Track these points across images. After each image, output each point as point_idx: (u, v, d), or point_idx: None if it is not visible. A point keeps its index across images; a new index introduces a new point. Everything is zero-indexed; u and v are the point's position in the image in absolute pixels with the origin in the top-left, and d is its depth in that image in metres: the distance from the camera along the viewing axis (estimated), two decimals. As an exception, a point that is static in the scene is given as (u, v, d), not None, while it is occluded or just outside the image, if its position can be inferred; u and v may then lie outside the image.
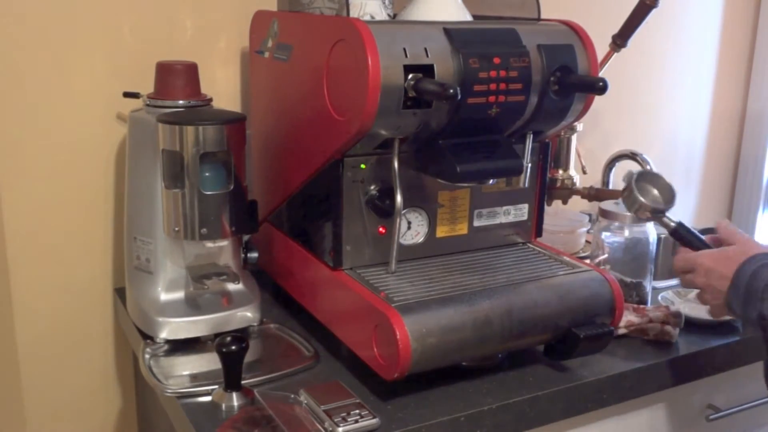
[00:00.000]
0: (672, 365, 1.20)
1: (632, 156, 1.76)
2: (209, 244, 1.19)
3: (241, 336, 1.03)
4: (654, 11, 1.58)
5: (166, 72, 1.23)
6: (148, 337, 1.19)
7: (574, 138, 1.70)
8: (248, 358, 1.05)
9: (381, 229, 1.14)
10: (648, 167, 1.70)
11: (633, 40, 1.63)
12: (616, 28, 1.62)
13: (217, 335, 1.15)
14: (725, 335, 1.27)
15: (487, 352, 1.09)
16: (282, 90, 1.23)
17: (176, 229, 1.15)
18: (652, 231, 1.35)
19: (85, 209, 1.40)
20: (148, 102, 1.23)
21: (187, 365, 1.15)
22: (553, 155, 1.67)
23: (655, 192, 1.05)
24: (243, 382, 1.04)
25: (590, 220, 1.68)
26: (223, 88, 1.47)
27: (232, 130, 1.14)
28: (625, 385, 1.16)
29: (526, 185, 1.18)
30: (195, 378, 1.11)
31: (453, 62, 1.01)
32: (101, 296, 1.45)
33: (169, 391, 1.06)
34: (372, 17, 1.15)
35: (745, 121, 2.34)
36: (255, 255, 1.26)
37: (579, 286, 1.14)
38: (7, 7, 1.27)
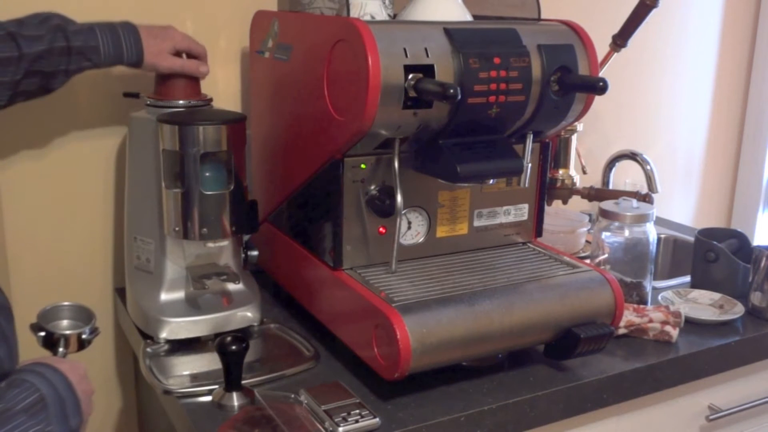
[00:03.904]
0: (672, 365, 1.20)
1: (632, 156, 1.76)
2: (209, 244, 1.19)
3: (241, 336, 1.03)
4: (654, 11, 1.58)
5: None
6: (148, 337, 1.19)
7: (574, 138, 1.70)
8: (248, 358, 1.05)
9: (381, 229, 1.14)
10: (648, 167, 1.70)
11: (633, 41, 1.63)
12: (616, 28, 1.62)
13: (217, 335, 1.15)
14: (725, 335, 1.27)
15: (487, 351, 1.09)
16: (282, 90, 1.23)
17: (176, 229, 1.15)
18: (652, 231, 1.35)
19: (85, 209, 1.40)
20: (148, 102, 1.23)
21: (187, 365, 1.15)
22: (553, 155, 1.67)
23: (65, 323, 1.02)
24: (243, 382, 1.04)
25: (590, 220, 1.68)
26: (223, 88, 1.47)
27: (232, 130, 1.14)
28: (625, 385, 1.16)
29: (526, 185, 1.18)
30: (195, 378, 1.11)
31: (453, 62, 1.01)
32: (101, 296, 1.45)
33: (170, 390, 1.06)
34: (372, 17, 1.15)
35: (745, 121, 2.34)
36: (255, 254, 1.26)
37: (579, 286, 1.14)
38: (6, 6, 1.27)
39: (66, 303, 1.02)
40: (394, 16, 1.23)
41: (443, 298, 1.05)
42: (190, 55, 1.24)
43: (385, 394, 1.05)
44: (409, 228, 1.17)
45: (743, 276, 1.39)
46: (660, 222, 1.92)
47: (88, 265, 1.43)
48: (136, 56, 1.17)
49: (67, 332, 0.97)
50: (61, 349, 0.96)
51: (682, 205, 2.29)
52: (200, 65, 1.23)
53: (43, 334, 0.97)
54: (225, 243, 1.21)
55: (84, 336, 0.98)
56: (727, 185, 2.40)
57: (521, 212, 1.26)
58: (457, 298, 1.05)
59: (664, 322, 1.24)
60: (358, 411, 0.98)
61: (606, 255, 1.36)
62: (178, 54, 1.22)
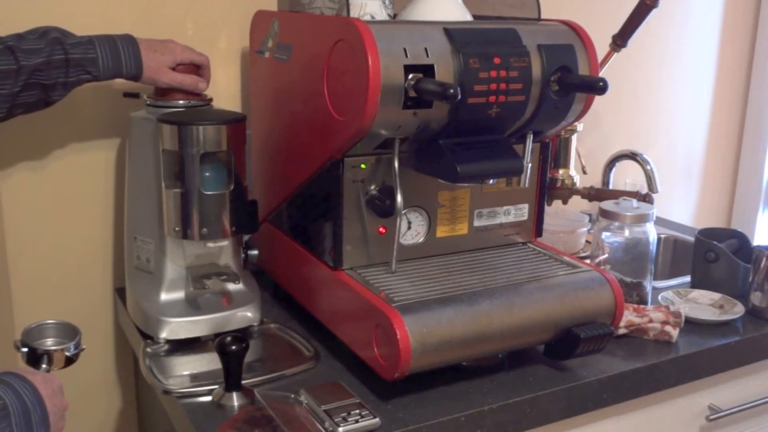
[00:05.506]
0: (672, 365, 1.20)
1: (632, 156, 1.76)
2: (209, 244, 1.19)
3: (241, 336, 1.03)
4: (654, 11, 1.58)
5: (166, 72, 1.23)
6: (148, 337, 1.19)
7: (574, 138, 1.70)
8: (248, 358, 1.05)
9: (381, 229, 1.14)
10: (648, 167, 1.70)
11: (633, 40, 1.63)
12: (616, 28, 1.62)
13: (217, 335, 1.15)
14: (725, 335, 1.27)
15: (487, 351, 1.09)
16: (282, 90, 1.23)
17: (176, 229, 1.15)
18: (652, 231, 1.35)
19: (85, 209, 1.40)
20: (148, 102, 1.23)
21: (187, 365, 1.15)
22: (553, 155, 1.67)
23: (50, 341, 1.02)
24: (243, 382, 1.04)
25: (590, 220, 1.68)
26: (223, 88, 1.47)
27: (232, 130, 1.14)
28: (625, 385, 1.16)
29: (526, 185, 1.18)
30: (195, 378, 1.11)
31: (453, 62, 1.01)
32: (101, 296, 1.45)
33: (170, 390, 1.06)
34: (372, 17, 1.15)
35: (745, 121, 2.34)
36: (255, 253, 1.26)
37: (579, 286, 1.14)
38: (7, 6, 1.27)
39: (51, 321, 1.02)
40: (394, 16, 1.23)
41: (443, 298, 1.05)
42: (192, 65, 1.24)
43: (385, 394, 1.05)
44: (409, 228, 1.17)
45: (743, 276, 1.39)
46: (660, 222, 1.91)
47: (88, 265, 1.43)
48: (135, 69, 1.18)
49: (51, 348, 0.98)
50: (44, 366, 0.96)
51: (682, 205, 2.29)
52: (199, 81, 1.23)
53: (26, 350, 0.97)
54: (225, 243, 1.21)
55: (68, 353, 0.98)
56: (727, 185, 2.40)
57: (521, 212, 1.26)
58: (457, 298, 1.05)
59: (664, 322, 1.24)
60: (358, 411, 0.98)
61: (606, 255, 1.36)
62: (179, 65, 1.22)
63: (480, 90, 1.02)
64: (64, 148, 1.37)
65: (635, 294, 1.35)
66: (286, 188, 1.26)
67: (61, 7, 1.31)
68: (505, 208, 1.24)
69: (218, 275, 1.20)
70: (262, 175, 1.37)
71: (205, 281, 1.18)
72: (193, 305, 1.21)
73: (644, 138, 2.11)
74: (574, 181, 1.70)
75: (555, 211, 1.70)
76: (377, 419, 0.97)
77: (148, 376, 1.11)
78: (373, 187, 1.11)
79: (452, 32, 1.03)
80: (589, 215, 1.70)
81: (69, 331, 1.01)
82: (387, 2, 1.21)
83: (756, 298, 1.35)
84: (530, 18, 1.24)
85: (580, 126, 1.69)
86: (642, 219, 1.33)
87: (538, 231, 1.29)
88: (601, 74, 1.35)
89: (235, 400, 1.02)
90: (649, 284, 1.37)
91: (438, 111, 1.02)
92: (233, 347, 1.01)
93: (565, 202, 1.72)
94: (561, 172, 1.69)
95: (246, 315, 1.21)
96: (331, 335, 1.16)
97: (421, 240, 1.18)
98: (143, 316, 1.20)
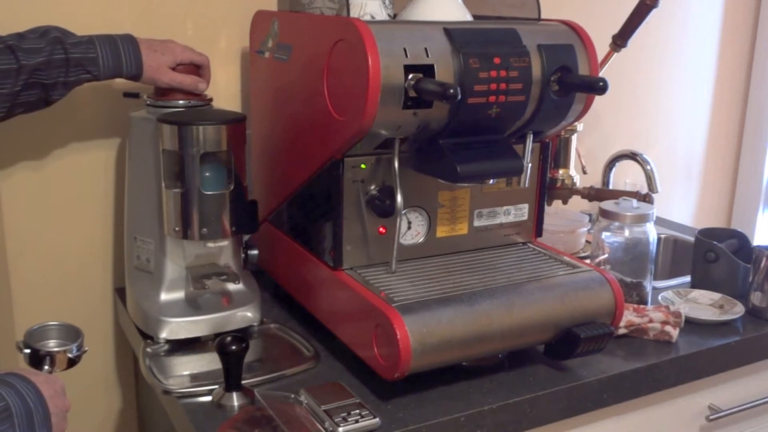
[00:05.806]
0: (672, 365, 1.20)
1: (632, 156, 1.76)
2: (209, 244, 1.19)
3: (241, 336, 1.03)
4: (654, 11, 1.58)
5: (166, 72, 1.23)
6: (148, 337, 1.19)
7: (574, 138, 1.70)
8: (248, 358, 1.05)
9: (381, 229, 1.14)
10: (648, 167, 1.70)
11: (633, 40, 1.63)
12: (616, 28, 1.63)
13: (217, 335, 1.15)
14: (725, 335, 1.27)
15: (487, 351, 1.09)
16: (282, 90, 1.23)
17: (176, 229, 1.15)
18: (652, 231, 1.35)
19: (85, 209, 1.40)
20: (148, 102, 1.23)
21: (187, 365, 1.15)
22: (553, 155, 1.67)
23: (52, 342, 1.02)
24: (243, 382, 1.04)
25: (590, 220, 1.68)
26: (223, 88, 1.47)
27: (232, 130, 1.14)
28: (625, 385, 1.16)
29: (527, 185, 1.18)
30: (195, 378, 1.11)
31: (453, 62, 1.01)
32: (101, 296, 1.45)
33: (170, 390, 1.06)
34: (372, 17, 1.15)
35: (745, 121, 2.34)
36: (255, 252, 1.26)
37: (579, 286, 1.14)
38: (7, 6, 1.27)
39: (53, 323, 1.02)
40: (394, 16, 1.23)
41: (443, 298, 1.05)
42: (192, 65, 1.24)
43: (385, 394, 1.05)
44: (409, 228, 1.17)
45: (743, 276, 1.39)
46: (660, 222, 1.92)
47: (88, 265, 1.43)
48: (135, 69, 1.18)
49: (53, 350, 0.98)
50: (46, 367, 0.96)
51: (682, 205, 2.29)
52: (199, 82, 1.23)
53: (28, 351, 0.97)
54: (225, 243, 1.21)
55: (70, 354, 0.98)
56: (727, 185, 2.40)
57: (521, 212, 1.26)
58: (457, 298, 1.05)
59: (664, 322, 1.24)
60: (358, 411, 0.98)
61: (606, 255, 1.36)
62: (179, 65, 1.22)
63: (480, 90, 1.02)
64: (64, 148, 1.37)
65: (635, 294, 1.35)
66: (286, 188, 1.26)
67: (61, 7, 1.31)
68: (505, 208, 1.24)
69: (218, 275, 1.20)
70: (262, 175, 1.37)
71: (205, 281, 1.18)
72: (193, 305, 1.21)
73: (644, 138, 2.11)
74: (574, 181, 1.70)
75: (555, 211, 1.70)
76: (377, 419, 0.97)
77: (148, 376, 1.11)
78: (373, 187, 1.11)
79: (452, 32, 1.03)
80: (589, 215, 1.70)
81: (71, 333, 1.01)
82: (387, 2, 1.21)
83: (756, 298, 1.35)
84: (530, 18, 1.24)
85: (580, 126, 1.69)
86: (642, 219, 1.33)
87: (538, 231, 1.29)
88: (601, 74, 1.35)
89: (235, 400, 1.02)
90: (649, 284, 1.37)
91: (438, 111, 1.02)
92: (233, 347, 1.01)
93: (565, 202, 1.72)
94: (561, 172, 1.69)
95: (246, 315, 1.21)
96: (331, 335, 1.16)
97: (421, 240, 1.18)
98: (143, 316, 1.20)
